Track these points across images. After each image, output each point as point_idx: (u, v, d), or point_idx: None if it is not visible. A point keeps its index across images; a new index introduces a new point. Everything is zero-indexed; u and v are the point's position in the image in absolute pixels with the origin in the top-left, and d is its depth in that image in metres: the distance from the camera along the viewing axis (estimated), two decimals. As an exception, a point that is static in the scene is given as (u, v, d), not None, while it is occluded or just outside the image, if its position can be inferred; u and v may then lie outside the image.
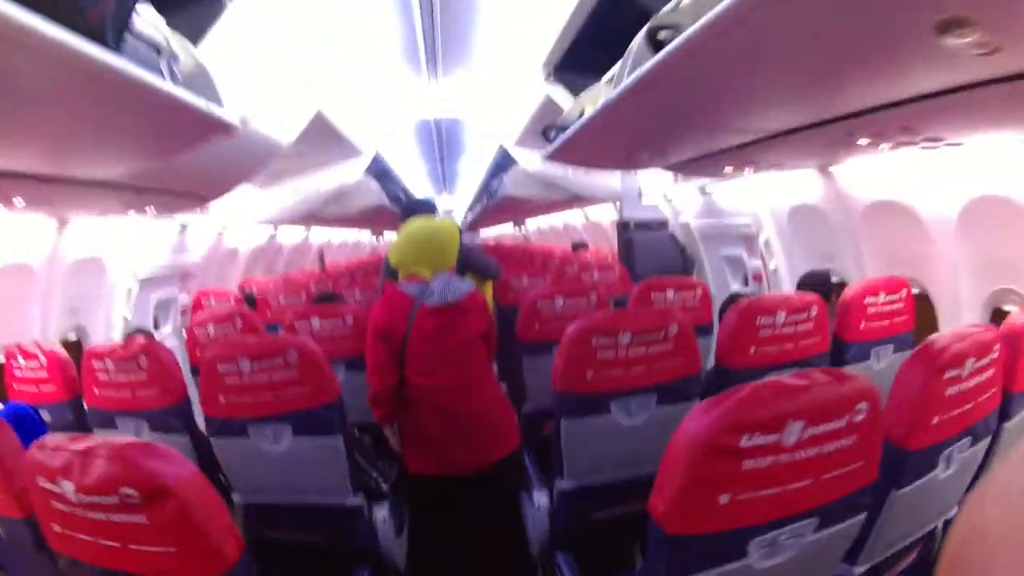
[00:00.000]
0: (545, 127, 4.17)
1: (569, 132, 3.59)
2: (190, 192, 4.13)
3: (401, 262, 3.23)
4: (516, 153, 7.43)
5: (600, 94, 3.42)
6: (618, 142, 3.64)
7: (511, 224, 19.72)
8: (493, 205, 11.77)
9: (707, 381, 3.16)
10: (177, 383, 3.19)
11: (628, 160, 4.17)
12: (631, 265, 6.66)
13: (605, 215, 11.00)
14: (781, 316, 3.04)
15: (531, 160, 7.36)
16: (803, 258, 4.68)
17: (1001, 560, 0.50)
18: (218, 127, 2.59)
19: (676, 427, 1.56)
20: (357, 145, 6.58)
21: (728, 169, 4.02)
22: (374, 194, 8.30)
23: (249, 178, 4.44)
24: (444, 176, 12.60)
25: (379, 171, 8.98)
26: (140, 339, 3.33)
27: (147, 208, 4.10)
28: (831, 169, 4.04)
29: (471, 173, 12.40)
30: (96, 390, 3.24)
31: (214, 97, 2.65)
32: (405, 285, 3.13)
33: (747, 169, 4.02)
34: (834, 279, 4.16)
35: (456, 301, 3.09)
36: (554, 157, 4.32)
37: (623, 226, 7.14)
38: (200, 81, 2.64)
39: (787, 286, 4.84)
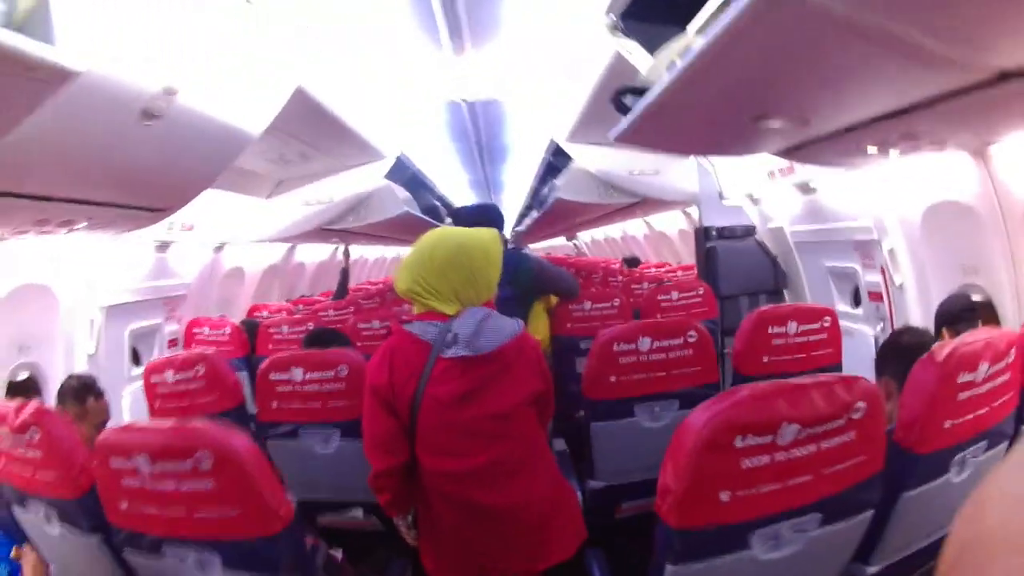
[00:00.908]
0: (618, 91, 3.03)
1: (655, 93, 2.52)
2: (134, 203, 3.39)
3: (410, 290, 2.36)
4: (571, 150, 6.56)
5: (694, 43, 2.37)
6: (732, 105, 2.54)
7: (563, 238, 18.61)
8: (543, 214, 10.79)
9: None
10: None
11: (743, 136, 3.05)
12: (713, 281, 5.85)
13: (670, 223, 10.09)
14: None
15: (589, 157, 6.58)
16: (937, 271, 3.89)
17: (1000, 564, 0.50)
18: (47, 75, 1.92)
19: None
20: (371, 142, 5.81)
21: (872, 150, 3.03)
22: (400, 203, 7.38)
23: (212, 180, 3.58)
24: (488, 183, 11.55)
25: (408, 178, 8.31)
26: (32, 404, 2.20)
27: (76, 225, 3.34)
28: (991, 150, 3.21)
29: (519, 180, 11.36)
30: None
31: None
32: (417, 326, 2.31)
33: (901, 146, 2.98)
34: (976, 297, 3.52)
35: (494, 350, 2.26)
36: (630, 137, 3.24)
37: (703, 234, 6.24)
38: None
39: (915, 307, 4.04)
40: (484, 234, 2.46)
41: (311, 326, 5.14)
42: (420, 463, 2.31)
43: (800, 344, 3.26)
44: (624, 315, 4.82)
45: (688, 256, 9.84)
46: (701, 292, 5.26)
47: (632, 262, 10.30)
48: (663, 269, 9.35)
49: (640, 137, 3.25)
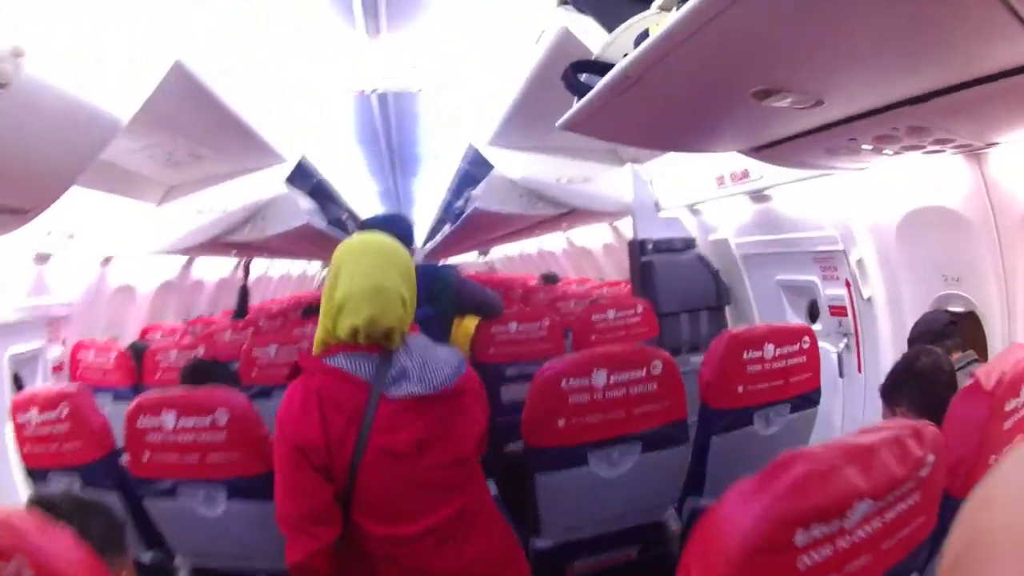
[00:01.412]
0: (573, 66, 2.50)
1: (626, 64, 2.03)
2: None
3: (343, 317, 1.96)
4: (492, 156, 6.14)
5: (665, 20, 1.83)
6: (731, 75, 2.04)
7: (475, 253, 18.04)
8: (457, 228, 10.12)
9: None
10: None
11: (735, 120, 2.60)
12: (652, 297, 5.45)
13: (594, 238, 9.74)
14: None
15: (512, 163, 6.17)
16: (913, 282, 3.68)
17: (1002, 562, 0.51)
18: None
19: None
20: (269, 141, 5.28)
21: (866, 147, 2.66)
22: (301, 213, 6.79)
23: (76, 173, 3.00)
24: (399, 195, 10.97)
25: (312, 186, 7.74)
26: None
27: None
28: (989, 151, 2.94)
29: (432, 192, 10.85)
30: None
31: None
32: (344, 360, 1.94)
33: (904, 142, 2.56)
34: (957, 309, 3.34)
35: (453, 386, 1.99)
36: (583, 123, 2.69)
37: (638, 247, 5.86)
38: None
39: (885, 321, 3.88)
40: (397, 243, 2.14)
41: (201, 351, 4.81)
42: (359, 530, 1.93)
43: (778, 370, 2.90)
44: (554, 338, 4.60)
45: (614, 273, 9.57)
46: (640, 310, 4.98)
47: (550, 279, 9.86)
48: (587, 286, 9.02)
49: (597, 124, 2.76)
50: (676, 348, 5.42)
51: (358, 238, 2.12)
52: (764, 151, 2.98)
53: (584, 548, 2.81)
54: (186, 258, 7.95)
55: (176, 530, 2.72)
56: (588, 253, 10.42)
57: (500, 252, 17.23)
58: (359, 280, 1.95)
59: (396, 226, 3.23)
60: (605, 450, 2.69)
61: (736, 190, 4.80)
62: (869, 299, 3.98)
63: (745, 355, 2.82)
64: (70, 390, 3.03)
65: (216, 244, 6.59)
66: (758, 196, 4.71)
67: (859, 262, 3.97)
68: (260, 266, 12.01)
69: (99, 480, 2.79)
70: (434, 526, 1.96)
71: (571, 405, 2.61)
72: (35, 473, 2.96)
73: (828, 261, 4.29)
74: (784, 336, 2.92)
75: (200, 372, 3.07)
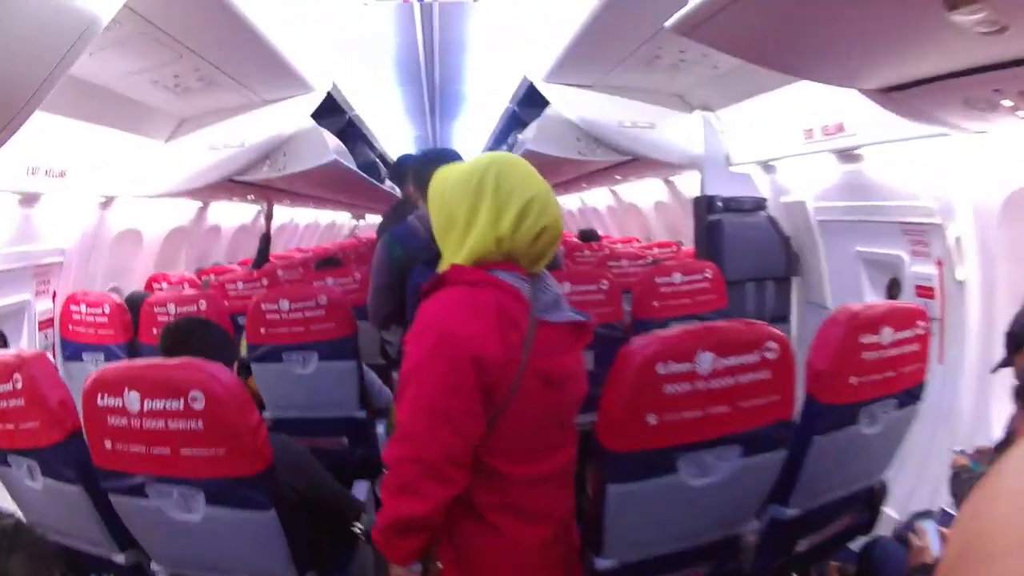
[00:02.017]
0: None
1: None
2: None
3: (529, 219, 1.82)
4: (549, 92, 5.57)
5: None
6: None
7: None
8: None
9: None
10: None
11: (908, 37, 2.27)
12: (718, 262, 4.86)
13: (645, 194, 9.15)
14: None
15: (570, 102, 5.55)
16: (1015, 269, 3.41)
17: (1000, 564, 0.51)
18: None
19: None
20: (295, 66, 4.79)
21: (1006, 103, 2.51)
22: (327, 151, 6.18)
23: (45, 86, 2.53)
24: (435, 140, 10.33)
25: (342, 125, 7.27)
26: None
27: None
28: None
29: (473, 138, 10.32)
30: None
31: None
32: (507, 276, 1.84)
33: None
34: None
35: (589, 319, 1.97)
36: (699, 28, 2.39)
37: (705, 205, 5.35)
38: None
39: (975, 308, 3.52)
40: None
41: (203, 305, 4.35)
42: (485, 472, 1.83)
43: (892, 358, 2.42)
44: (613, 301, 4.14)
45: (664, 233, 9.02)
46: (709, 275, 4.44)
47: (589, 235, 9.22)
48: (635, 246, 8.46)
49: (718, 27, 2.41)
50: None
51: (495, 154, 1.98)
52: (895, 93, 2.75)
53: (650, 568, 2.33)
54: (200, 203, 7.51)
55: (147, 533, 2.33)
56: (636, 211, 9.85)
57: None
58: (533, 182, 1.85)
59: (448, 160, 2.70)
60: (699, 454, 2.12)
61: (826, 146, 4.29)
62: (961, 282, 3.60)
63: (861, 339, 2.33)
64: (26, 356, 2.47)
65: (230, 185, 6.16)
66: (847, 155, 4.24)
67: (957, 240, 3.57)
68: (285, 214, 11.53)
69: (58, 469, 2.31)
70: (563, 465, 1.97)
71: (667, 397, 2.01)
72: (-3, 454, 2.54)
73: (920, 235, 3.88)
74: (901, 318, 2.45)
75: (179, 337, 2.54)
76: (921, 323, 2.49)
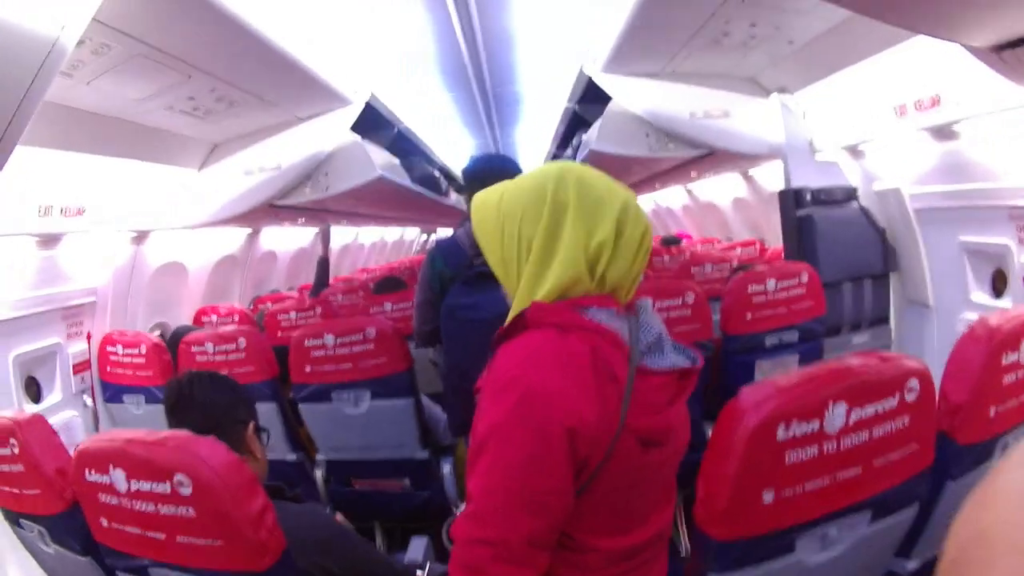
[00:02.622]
0: None
1: None
2: None
3: (546, 255, 1.57)
4: (609, 85, 5.15)
5: None
6: None
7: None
8: None
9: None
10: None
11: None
12: (811, 262, 4.45)
13: (721, 190, 8.73)
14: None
15: (634, 94, 5.13)
16: None
17: (1002, 563, 0.50)
18: None
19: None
20: (325, 79, 4.54)
21: None
22: (371, 165, 5.77)
23: (17, 118, 2.33)
24: (498, 148, 10.03)
25: (392, 138, 7.01)
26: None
27: None
28: None
29: (537, 145, 10.08)
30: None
31: None
32: (603, 314, 1.54)
33: None
34: None
35: (697, 363, 1.63)
36: None
37: (793, 199, 4.86)
38: None
39: None
40: None
41: (243, 342, 4.00)
42: (571, 547, 1.56)
43: None
44: (702, 316, 3.72)
45: (744, 231, 8.63)
46: (805, 279, 3.97)
47: (671, 241, 8.87)
48: (718, 247, 8.07)
49: None
50: (836, 326, 4.52)
51: (558, 163, 1.70)
52: (1006, 53, 2.39)
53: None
54: (249, 229, 7.36)
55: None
56: (714, 208, 9.39)
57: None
58: (617, 187, 1.62)
59: (503, 169, 2.78)
60: (822, 528, 1.71)
61: (921, 122, 3.86)
62: None
63: (1004, 359, 1.91)
64: (20, 420, 2.29)
65: (274, 210, 5.91)
66: (943, 132, 3.82)
67: None
68: (348, 233, 11.38)
69: (64, 539, 2.19)
70: (660, 531, 1.68)
71: (789, 467, 1.61)
72: (10, 515, 2.43)
73: None
74: None
75: (180, 398, 2.24)
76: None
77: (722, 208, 9.13)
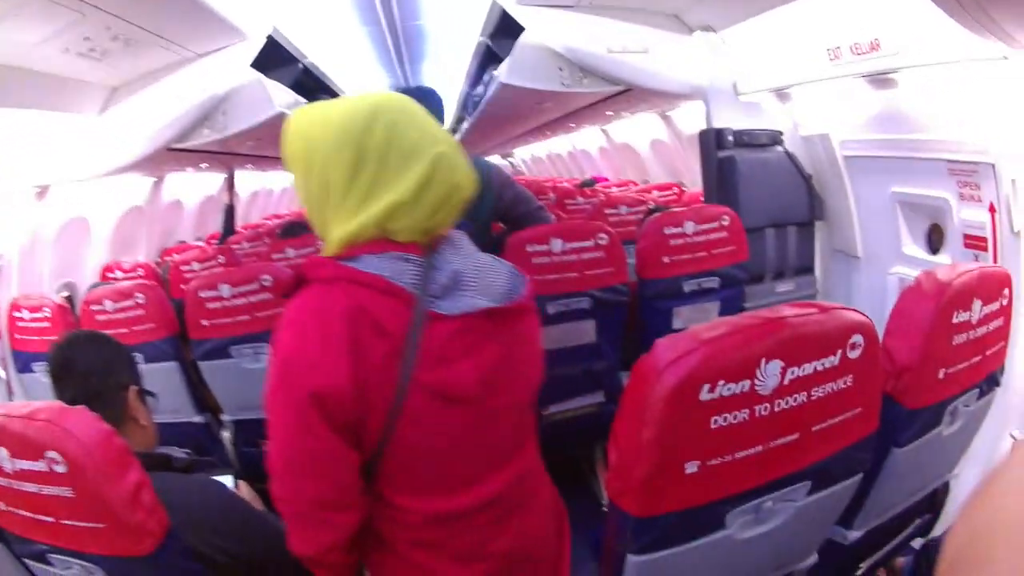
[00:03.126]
0: None
1: None
2: None
3: (343, 201, 1.47)
4: (524, 17, 4.91)
5: None
6: None
7: (496, 157, 16.92)
8: (478, 119, 8.93)
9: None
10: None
11: None
12: (732, 206, 4.31)
13: (639, 132, 8.60)
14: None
15: (549, 27, 4.85)
16: None
17: (1006, 558, 0.52)
18: None
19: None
20: (220, 12, 4.25)
21: None
22: (269, 103, 5.42)
23: None
24: (409, 85, 9.75)
25: (296, 75, 6.62)
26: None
27: None
28: None
29: (448, 83, 9.81)
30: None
31: None
32: (377, 262, 1.45)
33: None
34: None
35: (521, 299, 1.57)
36: None
37: (714, 140, 4.71)
38: None
39: None
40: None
41: (140, 298, 3.83)
42: (389, 507, 1.53)
43: (980, 339, 1.95)
44: (615, 259, 3.57)
45: (663, 175, 8.52)
46: (726, 222, 3.86)
47: (587, 184, 8.86)
48: (633, 189, 7.99)
49: None
50: (759, 274, 4.45)
51: (378, 94, 1.54)
52: None
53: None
54: (155, 178, 7.12)
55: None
56: (631, 151, 9.27)
57: (526, 153, 16.06)
58: (437, 135, 1.50)
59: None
60: (755, 501, 1.58)
61: (858, 68, 3.77)
62: (1019, 233, 3.26)
63: (954, 318, 1.82)
64: None
65: (175, 155, 5.73)
66: (881, 80, 3.73)
67: (1013, 182, 3.23)
68: (256, 180, 11.20)
69: None
70: (494, 496, 1.59)
71: (714, 432, 1.42)
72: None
73: (969, 175, 3.44)
74: (990, 287, 1.95)
75: (62, 363, 2.06)
76: (1006, 291, 2.01)
77: (639, 151, 9.03)
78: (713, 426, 1.39)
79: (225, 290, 3.48)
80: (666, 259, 3.68)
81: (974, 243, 3.41)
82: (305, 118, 1.50)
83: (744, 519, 1.52)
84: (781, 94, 4.65)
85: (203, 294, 3.50)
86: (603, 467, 3.93)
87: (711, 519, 1.49)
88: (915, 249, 3.87)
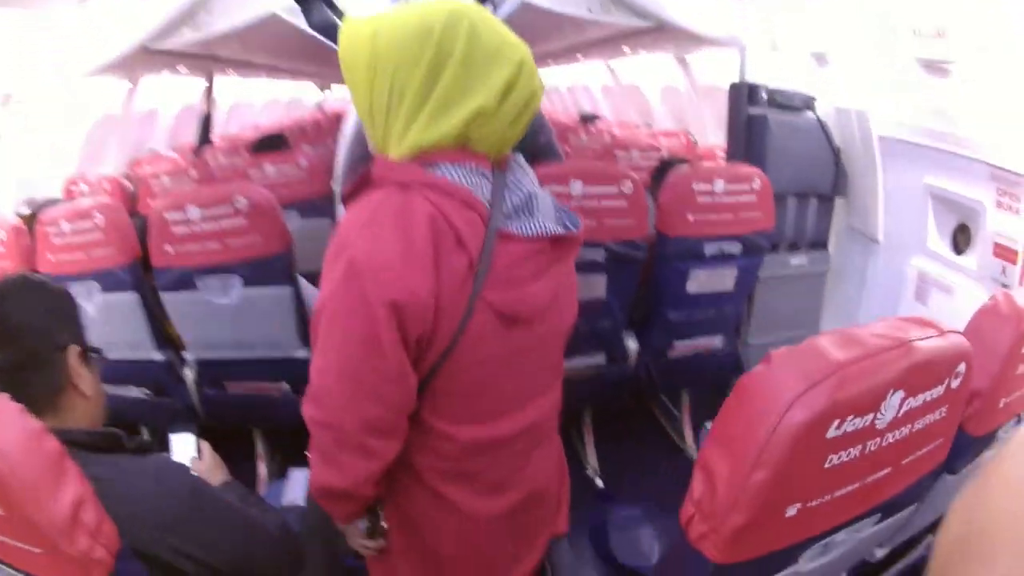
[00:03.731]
0: None
1: None
2: None
3: (421, 106, 1.42)
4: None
5: None
6: None
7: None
8: None
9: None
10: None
11: None
12: (759, 167, 3.94)
13: (651, 74, 8.27)
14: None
15: None
16: None
17: (1003, 556, 0.51)
18: None
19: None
20: None
21: None
22: (262, 4, 4.83)
23: None
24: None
25: None
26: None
27: None
28: None
29: None
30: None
31: None
32: (457, 171, 1.44)
33: None
34: None
35: (576, 230, 1.58)
36: None
37: (746, 96, 4.30)
38: None
39: None
40: None
41: (99, 218, 3.45)
42: (427, 434, 1.52)
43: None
44: (638, 211, 3.26)
45: (669, 122, 8.14)
46: (758, 186, 3.55)
47: (589, 118, 8.44)
48: (641, 133, 7.50)
49: None
50: (775, 243, 4.15)
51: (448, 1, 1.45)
52: None
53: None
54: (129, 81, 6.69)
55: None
56: (636, 92, 8.88)
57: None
58: (515, 40, 1.45)
59: None
60: (833, 536, 1.46)
61: (918, 52, 3.52)
62: None
63: None
64: None
65: (152, 57, 5.05)
66: (937, 68, 3.47)
67: None
68: (236, 89, 10.60)
69: None
70: (529, 424, 1.63)
71: (826, 473, 1.24)
72: None
73: (1012, 185, 3.25)
74: None
75: None
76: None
77: (646, 93, 8.66)
78: (827, 465, 1.22)
79: (193, 212, 3.13)
80: (691, 216, 3.41)
81: (1004, 253, 3.24)
82: (369, 24, 1.43)
83: (814, 553, 1.44)
84: (820, 58, 4.35)
85: (169, 216, 3.15)
86: (590, 433, 3.96)
87: (789, 559, 1.40)
88: (940, 245, 3.68)
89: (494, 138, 1.45)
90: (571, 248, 1.61)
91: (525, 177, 1.54)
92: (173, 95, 7.89)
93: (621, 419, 4.28)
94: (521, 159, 1.58)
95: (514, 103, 1.42)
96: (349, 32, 1.46)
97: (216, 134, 8.30)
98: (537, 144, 3.34)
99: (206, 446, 2.01)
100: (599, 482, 3.83)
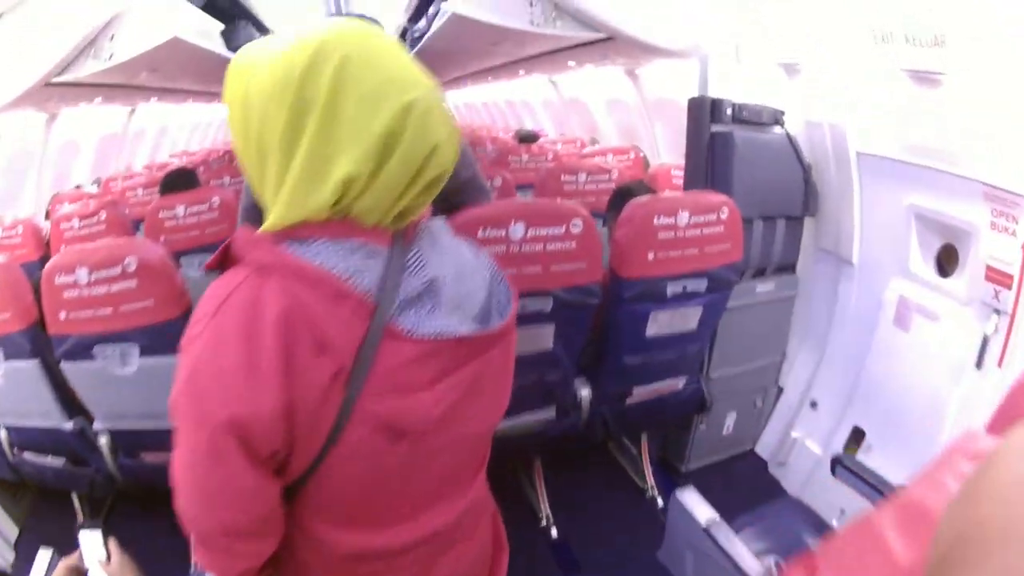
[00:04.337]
0: None
1: None
2: None
3: (284, 172, 1.14)
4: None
5: None
6: None
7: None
8: (415, 59, 7.91)
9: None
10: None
11: None
12: (723, 191, 3.67)
13: (596, 88, 7.98)
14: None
15: None
16: None
17: (998, 558, 0.52)
18: None
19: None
20: None
21: None
22: (167, 26, 4.58)
23: None
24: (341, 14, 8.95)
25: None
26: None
27: None
28: None
29: (393, 12, 9.10)
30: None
31: None
32: (329, 252, 1.15)
33: None
34: None
35: (509, 319, 1.35)
36: None
37: (709, 110, 3.98)
38: None
39: None
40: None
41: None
42: (312, 537, 1.31)
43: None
44: (589, 251, 2.90)
45: (616, 137, 7.86)
46: (726, 215, 3.25)
47: (528, 137, 8.11)
48: (586, 150, 7.26)
49: None
50: (740, 270, 3.86)
51: (335, 24, 1.14)
52: None
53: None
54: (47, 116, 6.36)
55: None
56: (582, 108, 8.62)
57: (459, 99, 15.24)
58: (408, 75, 1.13)
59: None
60: None
61: (904, 63, 3.27)
62: None
63: None
64: None
65: (57, 90, 4.90)
66: (926, 78, 3.25)
67: None
68: (162, 116, 10.21)
69: None
70: (429, 534, 1.39)
71: None
72: None
73: (1008, 205, 3.11)
74: None
75: None
76: None
77: (591, 107, 8.39)
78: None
79: (82, 275, 2.87)
80: (651, 255, 3.10)
81: (997, 277, 3.12)
82: (244, 61, 1.17)
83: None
84: (790, 68, 4.08)
85: (58, 280, 2.90)
86: (541, 480, 3.79)
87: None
88: (923, 267, 3.53)
89: (380, 211, 1.17)
90: (494, 342, 1.34)
91: (434, 252, 1.27)
92: (95, 122, 7.56)
93: (576, 460, 4.07)
94: (437, 225, 1.34)
95: (402, 162, 1.12)
96: (230, 69, 1.20)
97: (144, 160, 7.97)
98: (458, 180, 2.80)
99: (115, 547, 1.77)
100: (554, 532, 3.63)
